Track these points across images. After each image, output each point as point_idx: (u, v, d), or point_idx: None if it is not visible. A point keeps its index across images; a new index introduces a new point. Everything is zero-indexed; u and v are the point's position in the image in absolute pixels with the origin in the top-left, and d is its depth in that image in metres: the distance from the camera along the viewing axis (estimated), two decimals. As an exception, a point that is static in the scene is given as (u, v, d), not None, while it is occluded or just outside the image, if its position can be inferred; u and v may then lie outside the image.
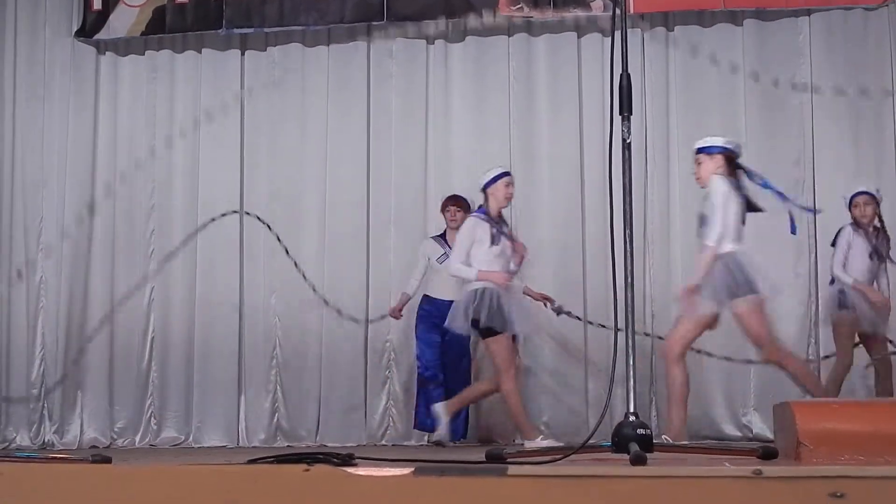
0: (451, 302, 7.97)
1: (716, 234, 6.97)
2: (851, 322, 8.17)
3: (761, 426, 8.68)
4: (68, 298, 9.51)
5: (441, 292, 8.57)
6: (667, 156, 9.15)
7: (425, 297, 8.79)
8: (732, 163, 7.18)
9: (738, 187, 7.11)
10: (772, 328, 7.15)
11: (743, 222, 7.09)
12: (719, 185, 7.04)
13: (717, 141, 7.21)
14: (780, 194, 7.26)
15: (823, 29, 9.10)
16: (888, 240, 8.23)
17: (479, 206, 7.89)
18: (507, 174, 7.87)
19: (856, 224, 8.20)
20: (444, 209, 8.77)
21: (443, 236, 8.77)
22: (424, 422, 8.77)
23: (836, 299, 8.22)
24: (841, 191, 8.84)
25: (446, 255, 8.45)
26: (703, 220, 7.21)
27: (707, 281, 7.04)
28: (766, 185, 7.22)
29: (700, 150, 7.22)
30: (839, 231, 8.23)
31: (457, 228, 8.23)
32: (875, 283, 8.22)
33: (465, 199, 8.58)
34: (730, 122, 9.06)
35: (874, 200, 8.20)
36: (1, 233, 9.61)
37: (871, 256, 8.16)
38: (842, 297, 8.17)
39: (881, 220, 8.24)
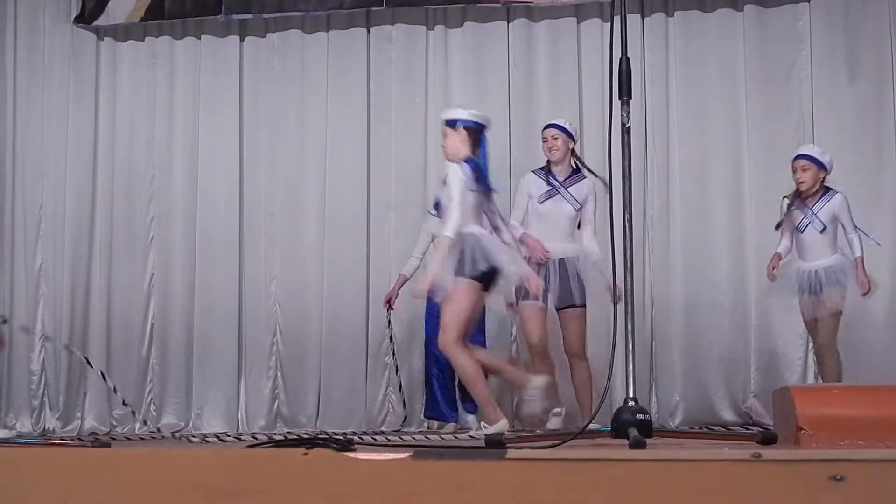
0: None
1: (453, 225, 6.85)
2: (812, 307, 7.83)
3: (762, 412, 8.66)
4: (70, 286, 9.51)
5: None
6: (667, 141, 9.14)
7: None
8: (477, 137, 7.13)
9: (477, 168, 7.04)
10: (466, 321, 6.94)
11: (489, 204, 7.08)
12: (455, 174, 6.92)
13: (462, 114, 7.15)
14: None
15: (823, 15, 9.07)
16: (845, 209, 7.80)
17: None
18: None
19: (796, 193, 7.90)
20: None
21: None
22: (445, 412, 8.67)
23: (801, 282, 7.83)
24: (841, 178, 8.83)
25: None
26: (437, 205, 7.32)
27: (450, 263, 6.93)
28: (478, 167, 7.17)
29: (447, 123, 7.13)
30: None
31: None
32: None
33: None
34: (730, 107, 9.06)
35: (814, 165, 7.82)
36: (2, 221, 9.59)
37: (820, 231, 7.78)
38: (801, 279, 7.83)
39: (824, 187, 7.84)
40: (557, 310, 7.81)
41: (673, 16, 9.27)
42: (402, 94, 9.48)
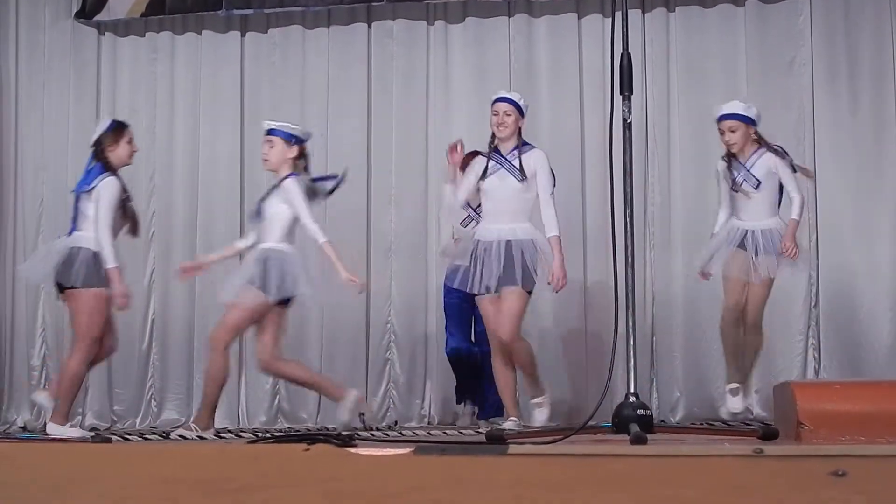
0: None
1: (317, 231, 7.13)
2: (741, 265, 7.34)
3: (761, 409, 8.66)
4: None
5: None
6: (667, 136, 9.14)
7: None
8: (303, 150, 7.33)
9: (311, 180, 7.26)
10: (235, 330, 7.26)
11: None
12: (294, 187, 7.14)
13: (290, 128, 7.30)
14: (325, 179, 7.41)
15: (823, 10, 9.07)
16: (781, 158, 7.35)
17: None
18: None
19: (729, 155, 7.39)
20: None
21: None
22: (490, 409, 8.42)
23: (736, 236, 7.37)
24: (841, 171, 8.85)
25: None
26: (260, 213, 7.28)
27: (246, 272, 7.14)
28: (316, 180, 7.37)
29: (270, 133, 7.26)
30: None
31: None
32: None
33: None
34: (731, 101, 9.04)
35: (742, 123, 7.30)
36: (4, 216, 9.59)
37: (755, 188, 7.29)
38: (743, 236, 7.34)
39: (763, 143, 7.36)
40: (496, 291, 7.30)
41: (674, 11, 9.27)
42: (403, 89, 9.48)
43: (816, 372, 8.76)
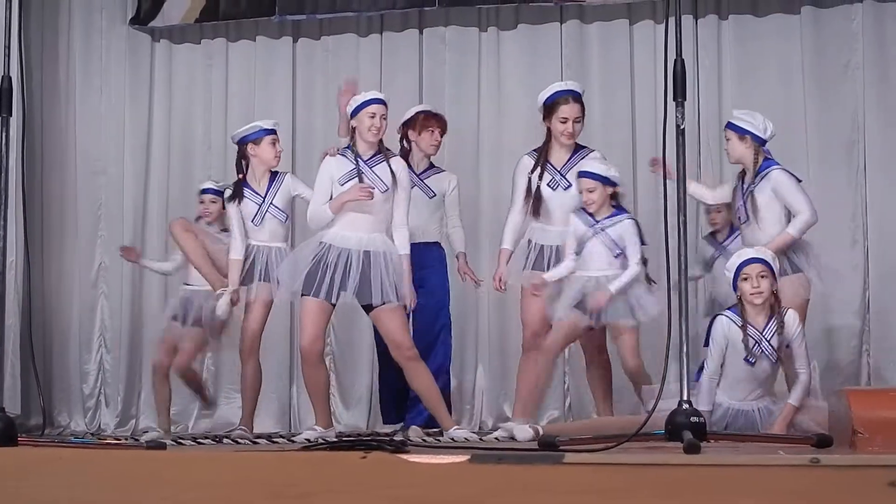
0: None
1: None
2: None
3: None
4: (130, 284, 9.60)
5: None
6: (720, 142, 9.07)
7: None
8: None
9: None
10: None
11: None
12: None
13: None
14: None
15: (874, 13, 9.01)
16: None
17: None
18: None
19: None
20: None
21: None
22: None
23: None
24: (893, 175, 8.79)
25: None
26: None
27: None
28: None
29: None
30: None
31: None
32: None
33: None
34: (784, 108, 8.97)
35: (600, 183, 7.04)
36: (65, 220, 9.68)
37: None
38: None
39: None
40: (365, 308, 7.13)
41: (727, 19, 9.24)
42: (455, 96, 9.48)
43: (869, 378, 8.70)
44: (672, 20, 5.39)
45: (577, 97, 7.31)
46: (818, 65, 9.04)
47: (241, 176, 7.71)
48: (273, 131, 7.70)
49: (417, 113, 7.97)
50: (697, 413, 5.04)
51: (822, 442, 5.32)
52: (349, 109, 7.10)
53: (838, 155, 8.92)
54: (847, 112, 8.97)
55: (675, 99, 5.34)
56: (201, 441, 7.18)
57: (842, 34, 9.04)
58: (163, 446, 5.61)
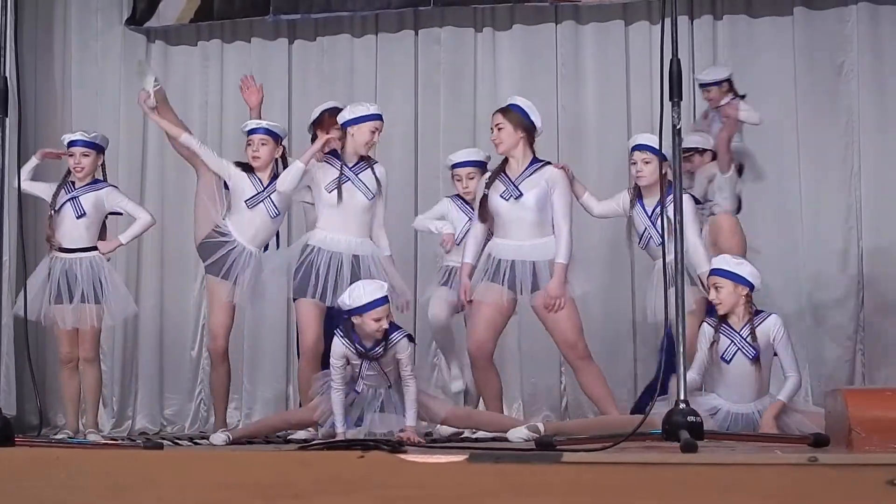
0: None
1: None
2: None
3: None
4: (124, 284, 9.56)
5: None
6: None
7: None
8: None
9: None
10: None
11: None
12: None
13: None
14: None
15: (868, 15, 9.02)
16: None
17: None
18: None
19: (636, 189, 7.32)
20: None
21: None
22: None
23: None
24: (892, 178, 8.80)
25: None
26: None
27: None
28: None
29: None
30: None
31: None
32: None
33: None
34: (778, 108, 8.99)
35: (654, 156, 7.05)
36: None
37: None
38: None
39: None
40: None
41: (722, 19, 9.26)
42: (450, 96, 9.49)
43: (864, 377, 8.72)
44: (668, 20, 5.40)
45: (503, 109, 7.33)
46: (812, 66, 9.06)
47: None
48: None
49: (323, 112, 8.03)
50: (694, 413, 5.03)
51: (819, 441, 5.32)
52: (341, 120, 7.35)
53: (832, 156, 8.93)
54: (841, 114, 8.99)
55: (671, 99, 5.35)
56: (178, 441, 7.18)
57: (836, 36, 9.06)
58: (159, 446, 5.61)
